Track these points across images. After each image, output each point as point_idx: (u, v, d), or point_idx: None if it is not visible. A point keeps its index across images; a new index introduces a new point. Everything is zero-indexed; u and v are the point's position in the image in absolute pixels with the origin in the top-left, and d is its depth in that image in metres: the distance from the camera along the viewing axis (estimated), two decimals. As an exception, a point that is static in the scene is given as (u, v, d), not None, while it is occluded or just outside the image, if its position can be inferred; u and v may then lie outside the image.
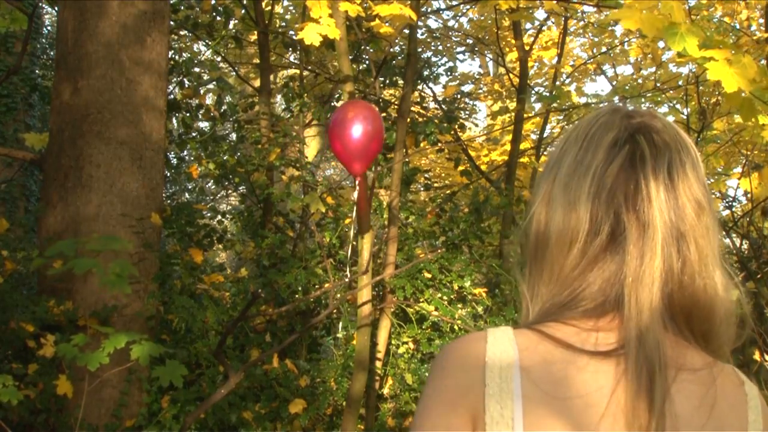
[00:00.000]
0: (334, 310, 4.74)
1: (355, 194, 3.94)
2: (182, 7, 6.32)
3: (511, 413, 0.76)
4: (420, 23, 6.76)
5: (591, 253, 0.83)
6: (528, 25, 8.75)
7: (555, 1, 6.33)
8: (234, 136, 6.88)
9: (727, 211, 7.55)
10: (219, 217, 5.53)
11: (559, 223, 0.86)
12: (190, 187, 9.65)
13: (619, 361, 0.79)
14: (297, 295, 4.84)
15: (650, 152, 0.84)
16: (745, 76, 2.53)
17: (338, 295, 4.34)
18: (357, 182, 3.90)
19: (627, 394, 0.77)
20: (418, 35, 6.23)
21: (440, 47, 8.09)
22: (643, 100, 6.97)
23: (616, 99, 6.79)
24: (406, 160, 5.59)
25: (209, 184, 9.54)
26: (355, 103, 3.89)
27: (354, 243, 4.39)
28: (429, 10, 7.65)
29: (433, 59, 7.65)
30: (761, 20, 7.03)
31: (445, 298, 4.94)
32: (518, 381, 0.78)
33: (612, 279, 0.82)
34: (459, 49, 8.39)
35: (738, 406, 0.85)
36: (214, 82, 6.80)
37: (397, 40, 7.04)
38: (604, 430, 0.77)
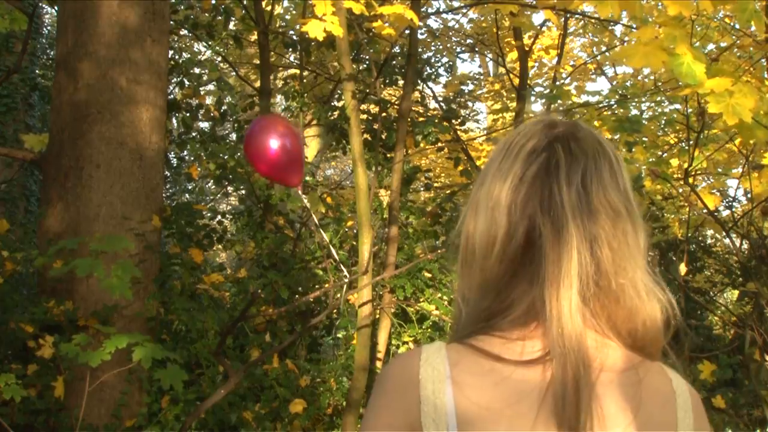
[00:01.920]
0: (334, 311, 4.74)
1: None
2: (182, 7, 6.32)
3: (445, 427, 0.79)
4: (420, 23, 6.76)
5: (510, 257, 0.86)
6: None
7: (554, 11, 6.33)
8: (234, 136, 6.88)
9: (727, 211, 7.55)
10: (219, 217, 5.52)
11: (482, 229, 0.88)
12: (190, 187, 9.64)
13: (546, 367, 0.81)
14: (297, 295, 4.84)
15: (566, 160, 0.86)
16: (746, 106, 2.54)
17: (338, 296, 4.34)
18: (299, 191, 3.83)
19: (555, 398, 0.79)
20: (419, 35, 6.22)
21: (440, 46, 8.09)
22: (643, 99, 6.97)
23: (616, 97, 6.79)
24: (406, 159, 5.59)
25: (209, 185, 9.54)
26: (263, 121, 3.81)
27: (319, 230, 4.39)
28: (429, 10, 7.65)
29: (433, 59, 7.65)
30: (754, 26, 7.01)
31: (445, 297, 4.94)
32: (450, 395, 0.81)
33: (532, 284, 0.84)
34: (459, 49, 8.39)
35: (667, 405, 0.86)
36: (214, 82, 6.80)
37: (397, 41, 7.04)
38: (541, 426, 0.79)
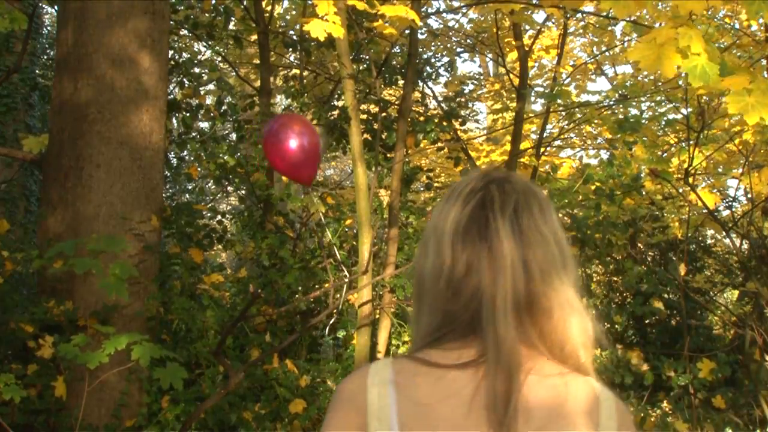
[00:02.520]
0: (334, 311, 4.74)
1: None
2: (182, 7, 6.32)
3: (388, 423, 0.92)
4: (420, 23, 6.76)
5: (455, 282, 0.97)
6: (528, 26, 8.76)
7: (558, 8, 6.33)
8: (234, 136, 6.88)
9: (728, 211, 7.55)
10: (219, 217, 5.52)
11: (431, 262, 1.00)
12: (190, 187, 9.64)
13: (478, 368, 0.93)
14: (297, 295, 4.84)
15: (499, 196, 0.99)
16: (766, 105, 2.53)
17: (338, 296, 4.34)
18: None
19: (487, 393, 0.91)
20: (419, 35, 6.22)
21: (440, 46, 8.08)
22: (643, 99, 6.97)
23: (616, 96, 6.79)
24: (407, 159, 5.59)
25: (209, 184, 9.54)
26: (283, 118, 3.88)
27: (321, 229, 4.39)
28: (429, 10, 7.65)
29: (433, 59, 7.65)
30: (761, 20, 7.03)
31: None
32: (393, 397, 0.94)
33: (473, 301, 0.95)
34: (459, 49, 8.38)
35: (590, 411, 0.95)
36: (214, 82, 6.80)
37: (397, 40, 7.04)
38: (470, 424, 0.90)
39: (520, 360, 0.92)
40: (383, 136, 5.46)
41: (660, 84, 7.49)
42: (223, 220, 5.52)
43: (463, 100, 7.71)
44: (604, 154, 8.85)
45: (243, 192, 6.11)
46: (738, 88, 2.58)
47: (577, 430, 0.92)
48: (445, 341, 0.97)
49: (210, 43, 6.57)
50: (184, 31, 6.83)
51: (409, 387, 0.94)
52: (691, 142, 5.31)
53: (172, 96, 6.02)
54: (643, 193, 5.84)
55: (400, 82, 6.42)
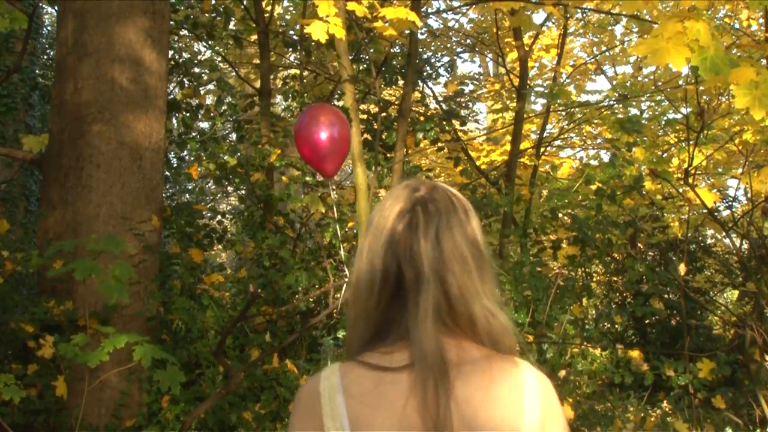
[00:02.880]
0: (334, 311, 4.74)
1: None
2: (182, 7, 6.32)
3: (341, 422, 1.06)
4: (420, 23, 6.76)
5: (385, 296, 1.13)
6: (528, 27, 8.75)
7: (556, 7, 6.32)
8: (234, 136, 6.88)
9: (728, 211, 7.55)
10: (219, 217, 5.52)
11: (365, 273, 1.15)
12: (190, 187, 9.64)
13: (411, 370, 1.06)
14: (297, 295, 4.84)
15: (423, 219, 1.13)
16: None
17: (338, 296, 4.34)
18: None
19: (419, 393, 1.04)
20: (419, 35, 6.21)
21: (440, 46, 8.08)
22: (643, 99, 6.97)
23: (615, 95, 6.79)
24: (407, 159, 5.59)
25: (209, 185, 9.54)
26: (317, 108, 3.94)
27: (342, 235, 4.39)
28: (429, 10, 7.64)
29: (433, 59, 7.65)
30: (762, 20, 7.03)
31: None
32: (342, 400, 1.07)
33: (401, 314, 1.11)
34: (459, 49, 8.38)
35: (514, 387, 1.09)
36: (214, 82, 6.80)
37: (397, 40, 7.04)
38: (407, 419, 1.04)
39: (446, 357, 1.07)
40: (383, 136, 5.46)
41: (660, 84, 7.49)
42: (223, 220, 5.52)
43: (463, 100, 7.70)
44: (604, 154, 8.84)
45: (243, 192, 6.11)
46: (745, 80, 2.57)
47: (508, 411, 1.07)
48: (380, 346, 1.12)
49: (210, 43, 6.56)
50: (184, 31, 6.83)
51: (355, 388, 1.08)
52: (691, 142, 5.31)
53: (172, 96, 6.02)
54: (643, 193, 5.84)
55: (400, 82, 6.42)
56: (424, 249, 1.11)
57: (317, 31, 3.42)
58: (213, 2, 6.25)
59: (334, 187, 4.20)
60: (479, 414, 1.05)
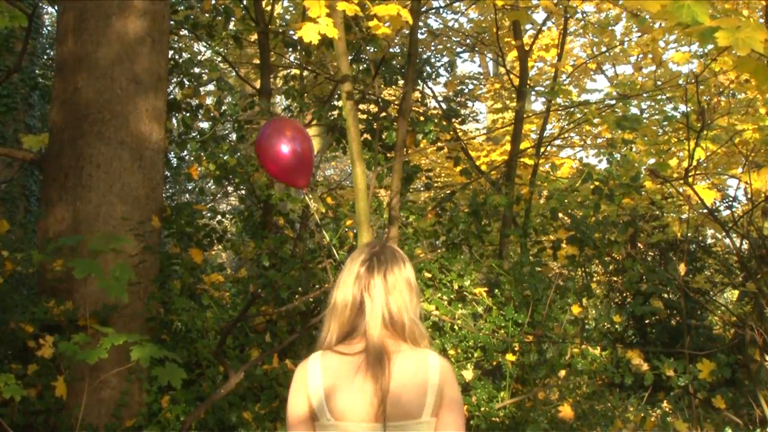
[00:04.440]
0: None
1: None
2: (182, 7, 6.32)
3: (320, 389, 1.74)
4: (420, 23, 6.76)
5: (353, 310, 1.81)
6: (528, 26, 8.75)
7: (556, 6, 6.33)
8: (234, 136, 6.88)
9: (728, 211, 7.55)
10: (219, 217, 5.52)
11: (341, 297, 1.83)
12: (190, 187, 9.64)
13: (363, 355, 1.75)
14: (297, 296, 4.84)
15: (378, 264, 1.83)
16: (757, 38, 2.53)
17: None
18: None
19: (369, 368, 1.72)
20: (419, 35, 6.21)
21: (440, 46, 8.08)
22: (644, 95, 6.96)
23: (615, 94, 6.79)
24: (406, 159, 5.59)
25: (209, 185, 9.54)
26: (276, 122, 3.88)
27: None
28: (428, 9, 7.64)
29: (433, 59, 7.64)
30: (761, 21, 7.03)
31: (445, 297, 4.94)
32: (320, 375, 1.76)
33: (362, 321, 1.79)
34: (459, 49, 8.38)
35: (424, 370, 1.76)
36: (214, 82, 6.80)
37: (397, 40, 7.03)
38: (361, 385, 1.72)
39: (387, 348, 1.76)
40: (383, 136, 5.46)
41: (660, 83, 7.49)
42: (223, 220, 5.52)
43: (462, 99, 7.70)
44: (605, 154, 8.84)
45: (243, 192, 6.11)
46: (728, 24, 2.58)
47: (421, 377, 1.74)
48: (347, 340, 1.80)
49: (210, 43, 6.56)
50: (184, 31, 6.83)
51: (327, 365, 1.78)
52: (692, 141, 5.31)
53: (172, 96, 6.02)
54: (643, 193, 5.83)
55: (400, 82, 6.42)
56: (376, 283, 1.80)
57: (309, 34, 3.43)
58: (213, 2, 6.24)
59: (305, 192, 4.15)
60: (404, 380, 1.73)
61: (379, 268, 1.81)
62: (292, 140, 3.66)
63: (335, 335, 1.81)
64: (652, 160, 6.85)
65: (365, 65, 6.29)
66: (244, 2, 6.46)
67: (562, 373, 4.75)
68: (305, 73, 7.35)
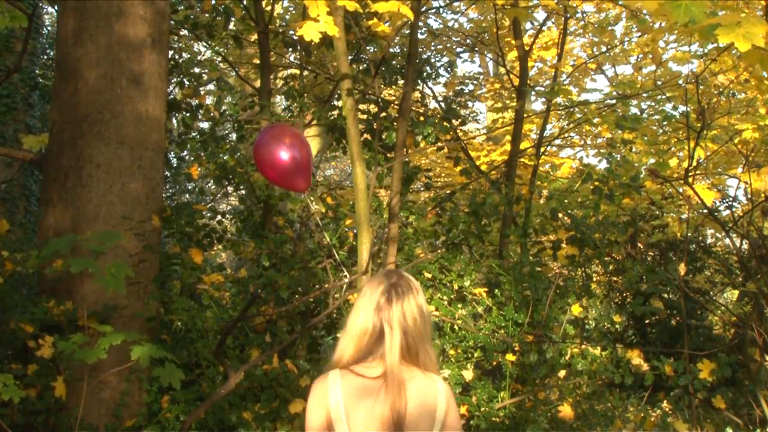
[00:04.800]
0: (334, 311, 4.74)
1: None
2: (182, 7, 6.31)
3: (341, 406, 1.91)
4: (420, 23, 6.75)
5: (372, 336, 1.97)
6: (528, 26, 8.75)
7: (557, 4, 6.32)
8: (234, 136, 6.88)
9: (728, 211, 7.55)
10: (219, 217, 5.52)
11: (360, 323, 2.00)
12: (190, 187, 9.64)
13: (382, 380, 1.92)
14: (297, 296, 4.84)
15: (396, 295, 1.99)
16: (757, 33, 2.53)
17: (338, 296, 4.34)
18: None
19: (388, 393, 1.90)
20: (419, 35, 6.21)
21: (440, 46, 8.07)
22: (644, 95, 6.96)
23: (615, 94, 6.78)
24: (406, 160, 5.59)
25: (209, 185, 9.53)
26: (274, 129, 3.88)
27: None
28: (428, 9, 7.64)
29: (433, 59, 7.64)
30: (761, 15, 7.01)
31: (445, 298, 4.94)
32: (341, 395, 1.93)
33: (380, 347, 1.96)
34: (459, 49, 8.37)
35: (433, 391, 1.97)
36: (214, 82, 6.79)
37: (397, 40, 7.03)
38: (380, 408, 1.89)
39: (402, 376, 1.93)
40: (383, 136, 5.46)
41: (660, 83, 7.49)
42: (223, 220, 5.52)
43: (462, 99, 7.70)
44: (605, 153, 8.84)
45: (243, 192, 6.11)
46: (728, 21, 2.59)
47: (431, 402, 1.95)
48: (362, 363, 1.97)
49: (210, 43, 6.56)
50: (184, 31, 6.83)
51: (348, 384, 1.95)
52: (692, 142, 5.31)
53: (172, 96, 6.02)
54: (642, 193, 5.83)
55: (400, 82, 6.42)
56: (395, 313, 1.97)
57: (310, 33, 3.43)
58: (213, 2, 6.24)
59: (305, 195, 4.16)
60: (417, 404, 1.93)
61: (397, 300, 1.97)
62: (291, 147, 3.67)
63: (351, 357, 1.97)
64: (652, 160, 6.86)
65: (365, 65, 6.29)
66: (244, 2, 6.46)
67: (562, 373, 4.76)
68: (305, 73, 7.35)
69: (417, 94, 7.20)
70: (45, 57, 9.37)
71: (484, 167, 7.76)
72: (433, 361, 1.99)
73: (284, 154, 3.66)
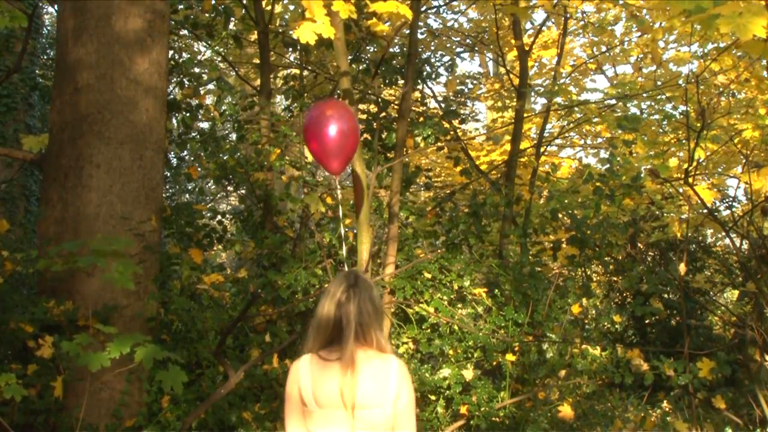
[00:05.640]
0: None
1: (337, 185, 3.96)
2: (182, 7, 6.32)
3: (308, 384, 2.29)
4: (420, 23, 6.75)
5: (333, 327, 2.31)
6: (528, 26, 8.75)
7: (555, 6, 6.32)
8: (234, 136, 6.88)
9: (728, 211, 7.55)
10: (219, 217, 5.52)
11: (324, 317, 2.32)
12: (190, 187, 9.64)
13: (340, 362, 2.26)
14: (297, 296, 4.84)
15: (354, 295, 2.32)
16: (758, 23, 2.55)
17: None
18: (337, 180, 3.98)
19: (344, 373, 2.24)
20: (419, 35, 6.20)
21: (440, 45, 8.07)
22: (644, 95, 6.96)
23: (615, 93, 6.78)
24: (406, 160, 5.59)
25: (209, 185, 9.54)
26: (330, 102, 3.94)
27: (344, 234, 4.39)
28: (428, 9, 7.64)
29: (433, 58, 7.64)
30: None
31: (445, 298, 4.94)
32: (308, 376, 2.30)
33: (340, 334, 2.29)
34: (459, 48, 8.37)
35: (387, 371, 2.30)
36: (214, 82, 6.80)
37: (397, 40, 7.03)
38: (336, 385, 2.24)
39: (356, 358, 2.26)
40: (383, 136, 5.46)
41: (660, 83, 7.49)
42: (223, 220, 5.52)
43: (462, 99, 7.69)
44: (604, 154, 8.84)
45: (243, 192, 6.11)
46: (728, 11, 2.60)
47: (383, 378, 2.28)
48: (327, 347, 2.31)
49: (210, 43, 6.56)
50: (184, 31, 6.83)
51: (314, 366, 2.31)
52: (692, 142, 5.31)
53: (172, 96, 6.02)
54: (643, 193, 5.83)
55: (400, 82, 6.42)
56: (352, 308, 2.31)
57: (306, 34, 3.43)
58: (213, 2, 6.24)
59: (338, 187, 4.19)
60: (369, 381, 2.27)
61: (354, 296, 2.33)
62: (341, 123, 3.73)
63: (318, 343, 2.33)
64: (651, 163, 6.85)
65: (365, 65, 6.29)
66: (244, 2, 6.46)
67: (562, 373, 4.76)
68: (305, 73, 7.35)
69: (417, 94, 7.20)
70: (45, 57, 9.37)
71: (484, 167, 7.76)
72: (383, 342, 2.34)
73: (333, 129, 3.71)
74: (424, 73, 6.91)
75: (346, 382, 2.23)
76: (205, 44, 7.32)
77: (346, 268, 4.61)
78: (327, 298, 2.36)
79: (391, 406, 2.27)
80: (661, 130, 6.95)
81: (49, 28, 10.35)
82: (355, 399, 2.23)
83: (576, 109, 7.08)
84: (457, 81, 8.11)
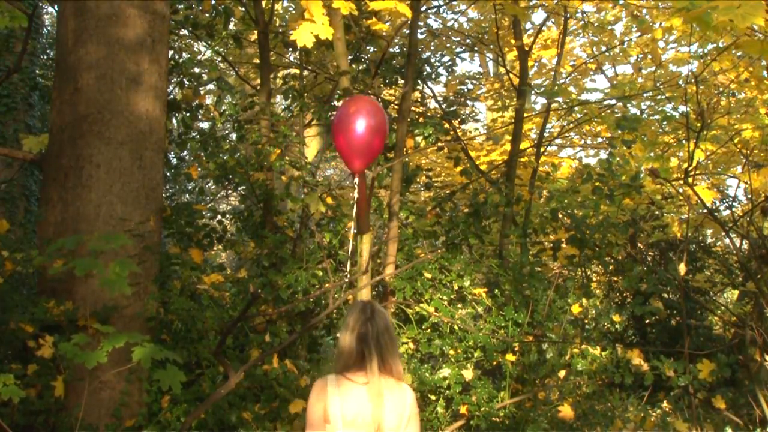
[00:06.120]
0: (334, 310, 4.74)
1: (355, 193, 3.96)
2: (182, 7, 6.31)
3: (337, 402, 2.52)
4: (420, 23, 6.75)
5: (357, 355, 2.56)
6: (528, 26, 8.74)
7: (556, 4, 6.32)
8: (234, 136, 6.87)
9: (728, 211, 7.55)
10: (219, 217, 5.52)
11: (347, 346, 2.58)
12: (190, 187, 9.63)
13: (367, 386, 2.53)
14: (297, 296, 4.84)
15: (372, 326, 2.58)
16: (756, 14, 2.56)
17: (338, 296, 4.34)
18: (356, 182, 3.94)
19: (371, 397, 2.52)
20: (419, 35, 6.20)
21: (440, 44, 8.07)
22: (644, 95, 6.96)
23: (616, 93, 6.78)
24: (406, 160, 5.59)
25: (209, 184, 9.53)
26: (359, 98, 3.92)
27: (353, 242, 4.39)
28: (428, 9, 7.64)
29: (433, 58, 7.63)
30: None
31: (445, 298, 4.94)
32: (337, 397, 2.53)
33: (364, 361, 2.55)
34: (459, 48, 8.37)
35: (404, 399, 2.60)
36: (214, 82, 6.79)
37: (397, 40, 7.03)
38: (366, 407, 2.51)
39: (382, 385, 2.51)
40: (383, 136, 5.44)
41: (659, 83, 7.49)
42: (223, 220, 5.51)
43: (462, 99, 7.69)
44: (604, 154, 8.84)
45: (243, 192, 6.11)
46: (724, 5, 2.61)
47: (401, 405, 2.56)
48: (352, 370, 2.54)
49: (210, 43, 6.56)
50: (184, 31, 6.83)
51: (342, 392, 2.51)
52: (692, 141, 5.31)
53: (172, 96, 6.02)
54: (642, 193, 5.83)
55: (400, 82, 6.42)
56: (371, 333, 2.54)
57: (303, 36, 3.43)
58: (213, 2, 6.24)
59: (355, 184, 4.18)
60: (392, 404, 2.53)
61: (373, 328, 2.56)
62: (370, 119, 3.74)
63: (341, 366, 2.57)
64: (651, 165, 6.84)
65: (365, 65, 6.29)
66: (244, 2, 6.46)
67: (562, 373, 4.75)
68: (305, 73, 7.35)
69: (417, 94, 7.20)
70: (45, 57, 9.36)
71: (484, 167, 7.76)
72: (400, 371, 2.62)
73: (361, 125, 3.70)
74: (424, 73, 6.91)
75: (376, 406, 2.50)
76: (205, 44, 7.32)
77: (348, 268, 4.60)
78: (347, 331, 2.59)
79: (406, 429, 2.57)
80: (660, 131, 6.95)
81: (49, 28, 10.35)
82: (382, 421, 2.50)
83: (576, 109, 7.08)
84: (457, 81, 8.11)
